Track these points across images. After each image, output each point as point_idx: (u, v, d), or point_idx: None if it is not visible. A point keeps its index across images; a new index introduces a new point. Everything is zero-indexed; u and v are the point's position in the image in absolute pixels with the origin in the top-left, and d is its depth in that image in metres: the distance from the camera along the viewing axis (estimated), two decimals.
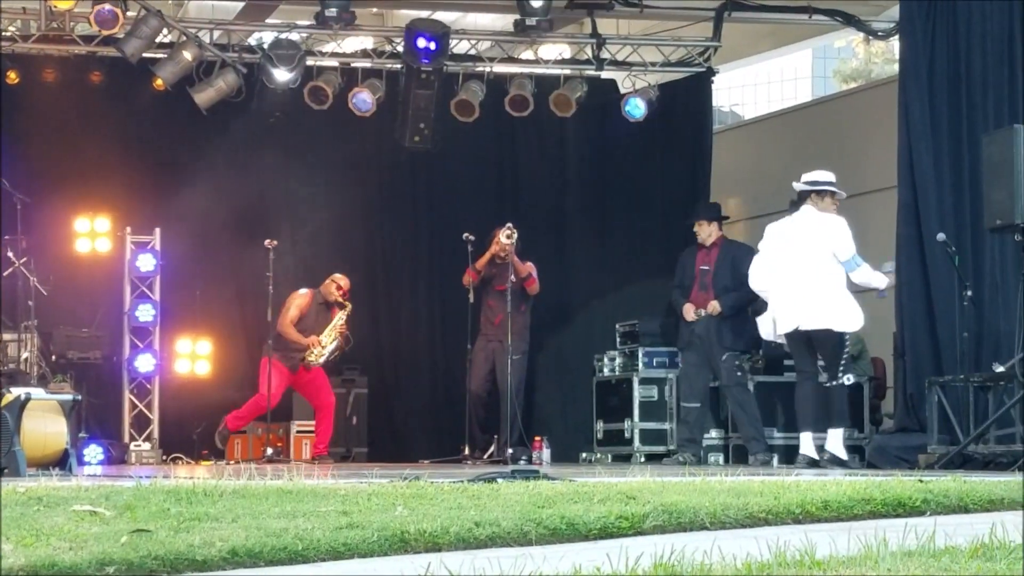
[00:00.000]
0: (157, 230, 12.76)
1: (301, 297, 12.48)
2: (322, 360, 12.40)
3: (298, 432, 13.11)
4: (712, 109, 14.50)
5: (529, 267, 12.32)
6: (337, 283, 12.53)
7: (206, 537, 4.50)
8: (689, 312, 11.51)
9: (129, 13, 12.23)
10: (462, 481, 6.12)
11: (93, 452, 11.39)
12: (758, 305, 10.55)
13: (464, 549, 4.72)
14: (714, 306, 11.40)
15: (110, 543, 4.34)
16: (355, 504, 5.26)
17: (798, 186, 10.16)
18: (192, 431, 13.06)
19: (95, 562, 4.16)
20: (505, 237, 11.97)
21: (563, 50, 13.86)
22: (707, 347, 11.44)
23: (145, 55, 12.49)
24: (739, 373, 11.46)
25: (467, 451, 12.21)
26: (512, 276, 12.07)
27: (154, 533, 4.52)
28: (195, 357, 13.38)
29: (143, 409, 12.61)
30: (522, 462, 11.43)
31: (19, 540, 4.31)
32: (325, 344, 12.38)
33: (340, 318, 12.50)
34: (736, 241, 12.17)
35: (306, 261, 13.36)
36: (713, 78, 13.88)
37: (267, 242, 12.34)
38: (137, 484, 5.63)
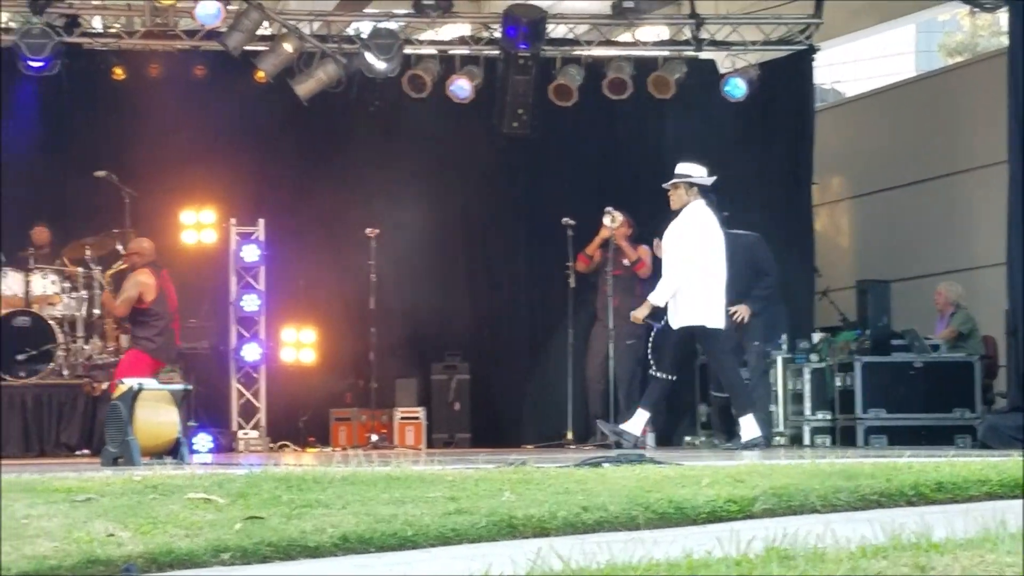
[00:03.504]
0: (261, 221, 12.89)
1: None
2: None
3: (402, 419, 13.19)
4: (814, 87, 14.30)
5: (641, 251, 12.21)
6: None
7: (317, 524, 4.54)
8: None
9: (231, 7, 12.36)
10: (568, 466, 6.12)
11: (203, 440, 11.55)
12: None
13: (572, 534, 4.72)
14: (743, 311, 11.29)
15: (224, 530, 4.40)
16: (462, 490, 5.27)
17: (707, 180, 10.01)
18: (298, 419, 13.20)
19: (210, 549, 4.22)
20: (609, 221, 11.89)
21: (661, 31, 13.77)
22: (738, 338, 11.42)
23: (247, 48, 12.62)
24: (765, 361, 11.56)
25: (570, 436, 12.18)
26: (624, 260, 12.02)
27: (267, 520, 4.57)
28: (300, 345, 13.51)
29: (250, 397, 12.76)
30: (624, 446, 11.38)
31: (137, 528, 4.38)
32: None
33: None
34: (737, 232, 11.77)
35: (407, 249, 13.43)
36: (814, 56, 13.69)
37: (368, 231, 12.42)
38: (249, 472, 5.70)
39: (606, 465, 6.14)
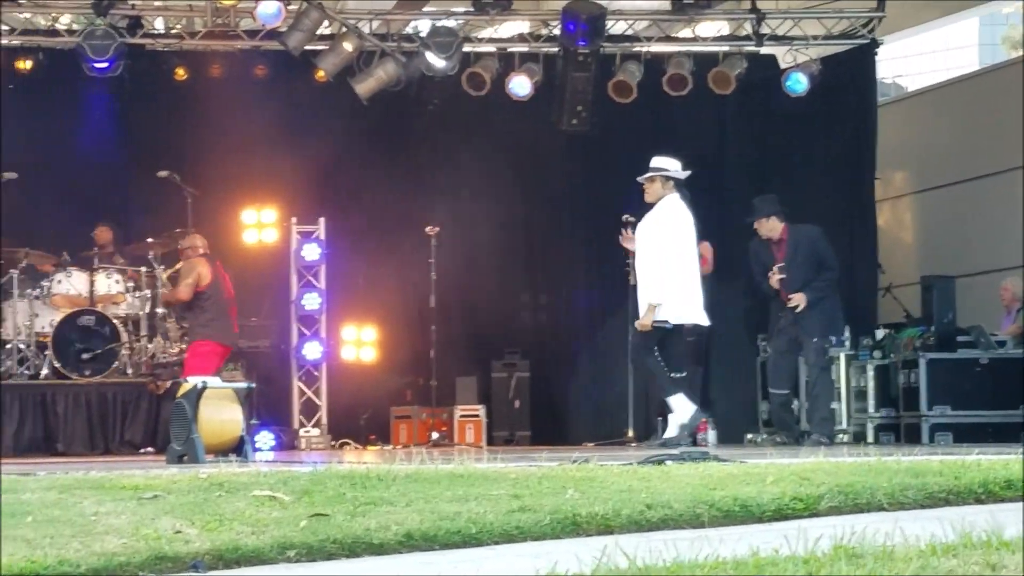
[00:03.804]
0: (321, 220, 12.97)
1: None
2: None
3: (462, 416, 13.21)
4: (876, 82, 14.17)
5: (703, 248, 12.15)
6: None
7: (382, 521, 4.55)
8: (776, 280, 11.42)
9: (291, 7, 12.42)
10: (631, 463, 6.09)
11: (265, 438, 11.62)
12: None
13: (636, 532, 4.70)
14: (800, 298, 11.21)
15: (290, 527, 4.42)
16: (526, 487, 5.26)
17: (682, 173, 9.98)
18: (359, 416, 13.25)
19: (276, 546, 4.24)
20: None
21: (722, 27, 13.71)
22: (796, 333, 11.33)
23: (307, 48, 12.68)
24: (826, 357, 11.42)
25: (631, 433, 12.16)
26: None
27: (331, 517, 4.58)
28: (360, 344, 13.57)
29: (311, 396, 12.83)
30: (685, 443, 11.34)
31: (203, 525, 4.41)
32: None
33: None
34: (799, 225, 11.71)
35: (467, 247, 13.45)
36: (877, 50, 13.57)
37: (428, 229, 12.45)
38: (313, 469, 5.72)
39: (669, 463, 6.10)
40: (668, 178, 9.87)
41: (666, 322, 9.63)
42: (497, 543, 4.51)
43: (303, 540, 4.29)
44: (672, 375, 9.82)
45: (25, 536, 4.18)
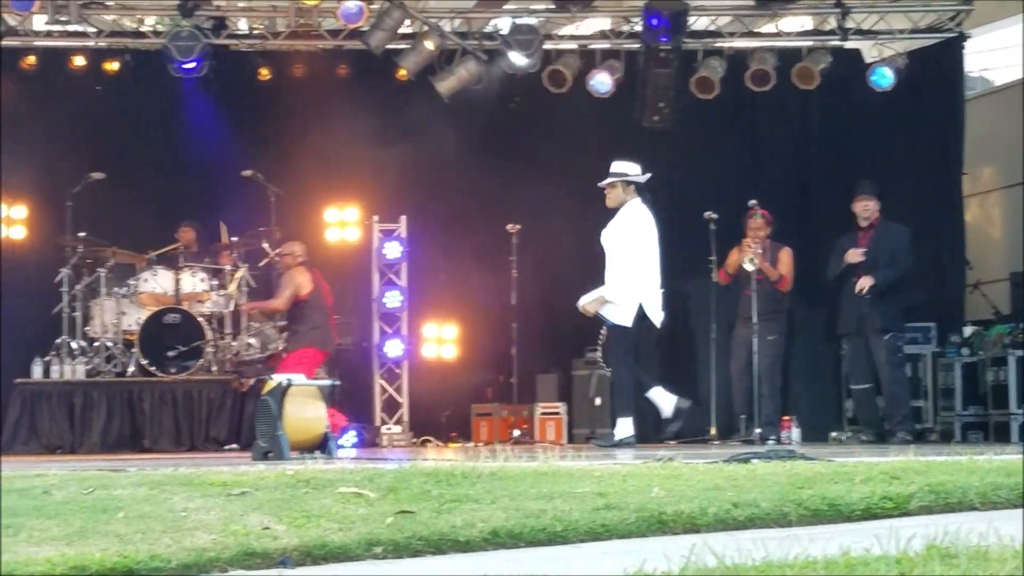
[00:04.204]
0: (403, 218, 13.02)
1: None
2: None
3: (543, 414, 13.20)
4: (964, 76, 13.96)
5: (783, 260, 12.03)
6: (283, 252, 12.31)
7: (467, 518, 4.55)
8: (854, 255, 11.42)
9: (373, 6, 12.47)
10: (717, 462, 6.06)
11: (348, 435, 11.68)
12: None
13: (723, 530, 4.67)
14: (866, 281, 11.12)
15: (376, 524, 4.44)
16: (610, 485, 5.25)
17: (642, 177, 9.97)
18: (440, 414, 13.28)
19: (363, 543, 4.25)
20: (749, 265, 11.78)
21: (805, 22, 13.58)
22: (866, 328, 11.31)
23: (388, 46, 12.73)
24: (899, 354, 11.43)
25: (714, 432, 12.08)
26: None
27: (417, 514, 4.59)
28: (442, 341, 13.60)
29: (393, 393, 12.89)
30: (770, 442, 11.26)
31: (291, 521, 4.44)
32: None
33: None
34: (891, 222, 11.68)
35: (547, 244, 13.43)
36: (964, 43, 13.37)
37: (509, 226, 12.44)
38: (398, 467, 5.74)
39: (755, 461, 6.05)
40: (629, 183, 9.89)
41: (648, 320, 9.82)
42: (583, 541, 4.50)
43: (389, 537, 4.31)
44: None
45: (117, 531, 4.24)
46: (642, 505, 4.78)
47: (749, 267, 11.79)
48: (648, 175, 10.10)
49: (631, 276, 9.77)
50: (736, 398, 12.19)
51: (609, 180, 9.94)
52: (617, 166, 9.98)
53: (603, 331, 10.55)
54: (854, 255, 11.43)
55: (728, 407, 12.34)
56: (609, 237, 9.90)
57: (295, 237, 12.89)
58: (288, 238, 12.78)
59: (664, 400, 9.98)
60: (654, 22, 12.40)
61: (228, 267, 12.59)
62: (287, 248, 12.21)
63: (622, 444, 9.84)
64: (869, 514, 4.84)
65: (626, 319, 9.91)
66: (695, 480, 5.39)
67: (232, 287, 12.16)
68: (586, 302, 9.99)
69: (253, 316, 12.30)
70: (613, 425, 13.42)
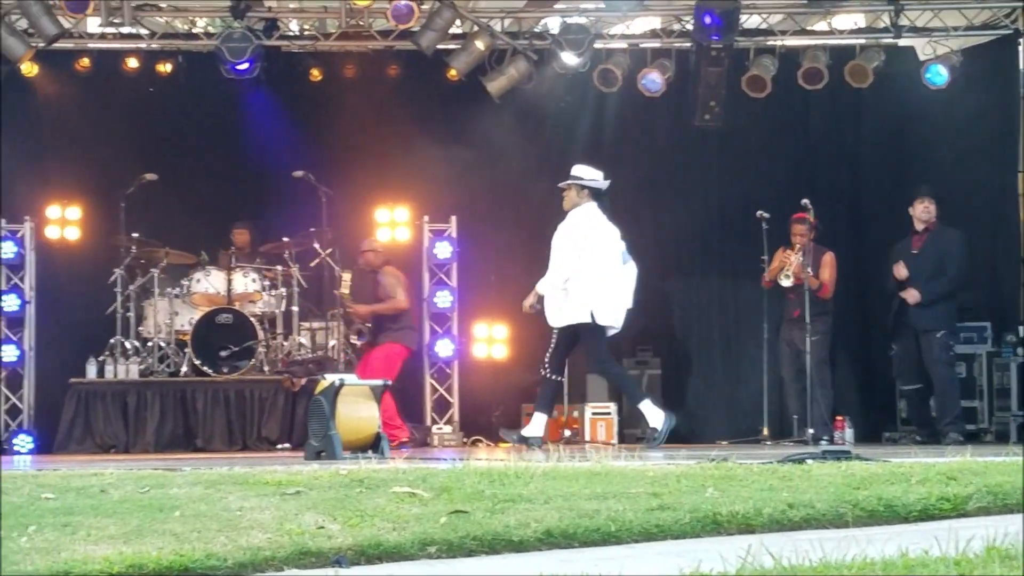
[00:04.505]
0: (453, 218, 13.02)
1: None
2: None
3: (593, 414, 13.15)
4: (1020, 73, 13.80)
5: (825, 264, 11.97)
6: (365, 249, 12.39)
7: (521, 518, 4.55)
8: (900, 269, 11.45)
9: (423, 6, 12.49)
10: (771, 462, 6.02)
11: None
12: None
13: (778, 531, 4.64)
14: (913, 295, 11.07)
15: (430, 523, 4.44)
16: (664, 486, 5.23)
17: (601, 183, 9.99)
18: (491, 414, 13.27)
19: (417, 542, 4.26)
20: (784, 279, 11.78)
21: (858, 19, 13.47)
22: (915, 329, 11.28)
23: (439, 47, 12.73)
24: (950, 353, 11.41)
25: (766, 432, 12.03)
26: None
27: (471, 514, 4.59)
28: (492, 341, 13.59)
29: (443, 393, 12.89)
30: (823, 442, 11.20)
31: (345, 521, 4.45)
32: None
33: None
34: (947, 227, 11.62)
35: None
36: (1021, 40, 13.21)
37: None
38: (451, 466, 5.74)
39: (810, 461, 6.02)
40: (583, 187, 9.88)
41: (612, 326, 9.85)
42: (636, 541, 4.49)
43: (443, 536, 4.31)
44: (554, 377, 10.04)
45: (173, 530, 4.26)
46: (696, 506, 4.77)
47: (785, 283, 11.82)
48: (607, 182, 10.02)
49: (578, 279, 9.76)
50: (787, 398, 12.14)
51: (566, 182, 9.95)
52: (575, 170, 10.05)
53: (553, 336, 10.59)
54: (900, 270, 11.43)
55: (781, 407, 12.27)
56: (557, 239, 9.93)
57: (346, 237, 12.92)
58: (339, 238, 12.81)
59: (538, 424, 9.97)
60: (706, 20, 12.34)
61: (280, 267, 12.65)
62: (369, 245, 12.26)
63: (659, 436, 9.82)
64: (926, 515, 4.80)
65: (605, 319, 9.89)
66: (749, 481, 5.37)
67: (344, 290, 12.19)
68: (525, 301, 10.10)
69: (362, 318, 12.34)
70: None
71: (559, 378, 9.97)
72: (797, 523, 4.71)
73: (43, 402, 12.64)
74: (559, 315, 9.95)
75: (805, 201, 11.73)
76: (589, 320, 9.71)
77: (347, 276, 12.31)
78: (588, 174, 9.96)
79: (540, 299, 10.24)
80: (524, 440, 9.83)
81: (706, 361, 13.90)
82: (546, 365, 10.30)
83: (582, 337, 10.10)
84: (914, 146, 13.55)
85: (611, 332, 10.24)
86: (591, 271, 9.66)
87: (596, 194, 9.92)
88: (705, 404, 13.74)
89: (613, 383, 10.21)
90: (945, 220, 11.77)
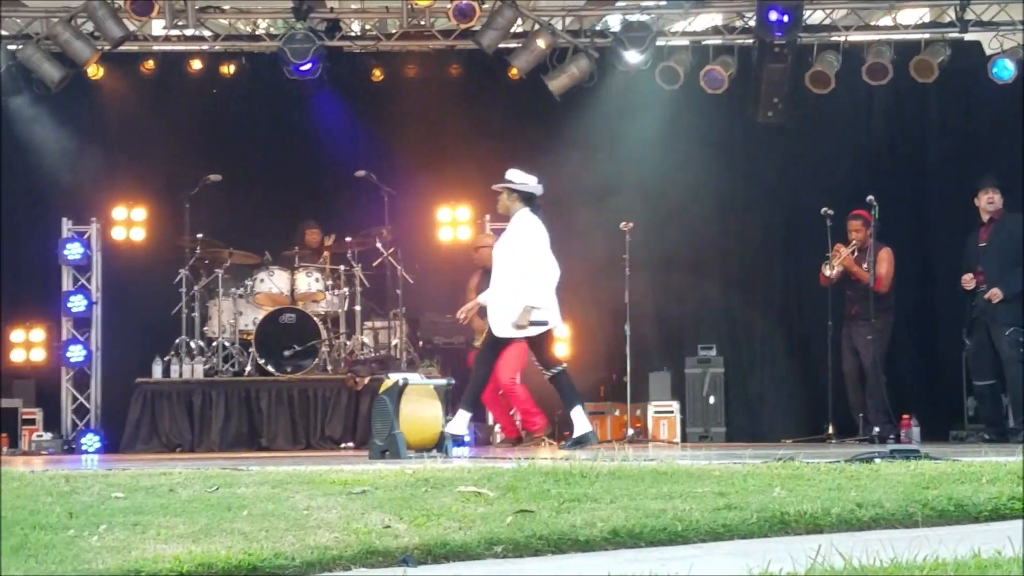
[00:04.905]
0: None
1: (472, 278, 12.23)
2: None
3: (656, 413, 13.12)
4: None
5: (882, 259, 11.85)
6: (483, 244, 12.20)
7: (587, 517, 4.54)
8: (968, 282, 11.34)
9: (485, 6, 12.49)
10: (839, 461, 5.97)
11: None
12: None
13: (847, 531, 4.60)
14: (995, 293, 10.96)
15: (496, 523, 4.44)
16: (731, 485, 5.20)
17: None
18: (552, 413, 13.25)
19: (483, 541, 4.26)
20: (828, 269, 11.66)
21: (923, 13, 13.33)
22: (988, 324, 11.19)
23: (500, 46, 12.73)
24: (1020, 350, 11.22)
25: (831, 430, 11.94)
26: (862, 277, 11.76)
27: (537, 513, 4.58)
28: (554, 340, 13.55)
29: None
30: (890, 441, 11.10)
31: (411, 520, 4.45)
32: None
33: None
34: (1013, 214, 11.44)
35: (661, 241, 13.35)
36: None
37: (623, 224, 12.36)
38: (516, 466, 5.74)
39: (878, 460, 5.96)
40: (514, 191, 9.83)
41: (546, 323, 9.77)
42: (703, 541, 4.47)
43: (510, 536, 4.31)
44: (554, 371, 9.97)
45: (241, 529, 4.28)
46: (763, 505, 4.73)
47: (828, 272, 11.72)
48: (539, 188, 10.03)
49: (518, 285, 9.70)
50: (850, 396, 12.04)
51: (499, 185, 9.93)
52: (509, 174, 10.04)
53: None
54: (968, 282, 11.31)
55: (845, 405, 12.17)
56: (500, 248, 9.92)
57: (408, 236, 12.96)
58: (401, 238, 12.85)
59: (581, 420, 9.88)
60: (768, 16, 12.26)
61: (343, 267, 12.71)
62: (487, 240, 12.23)
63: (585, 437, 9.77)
64: (997, 515, 4.74)
65: (505, 331, 9.83)
66: (817, 480, 5.32)
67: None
68: (517, 325, 9.89)
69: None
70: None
71: (560, 369, 9.93)
72: (866, 523, 4.66)
73: (110, 402, 12.78)
74: (505, 326, 9.90)
75: (870, 198, 11.62)
76: (541, 325, 9.68)
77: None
78: (520, 178, 9.95)
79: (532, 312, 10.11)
80: (579, 442, 9.78)
81: (769, 359, 13.81)
82: (544, 369, 10.26)
83: (532, 340, 10.09)
84: (980, 142, 13.39)
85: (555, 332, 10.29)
86: (528, 276, 9.66)
87: (529, 198, 9.89)
88: (768, 402, 13.66)
89: (560, 387, 10.13)
90: (1011, 211, 11.62)
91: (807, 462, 5.91)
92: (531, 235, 9.82)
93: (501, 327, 9.93)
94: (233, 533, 4.23)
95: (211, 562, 3.86)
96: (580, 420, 10.03)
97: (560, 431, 13.01)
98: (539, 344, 10.09)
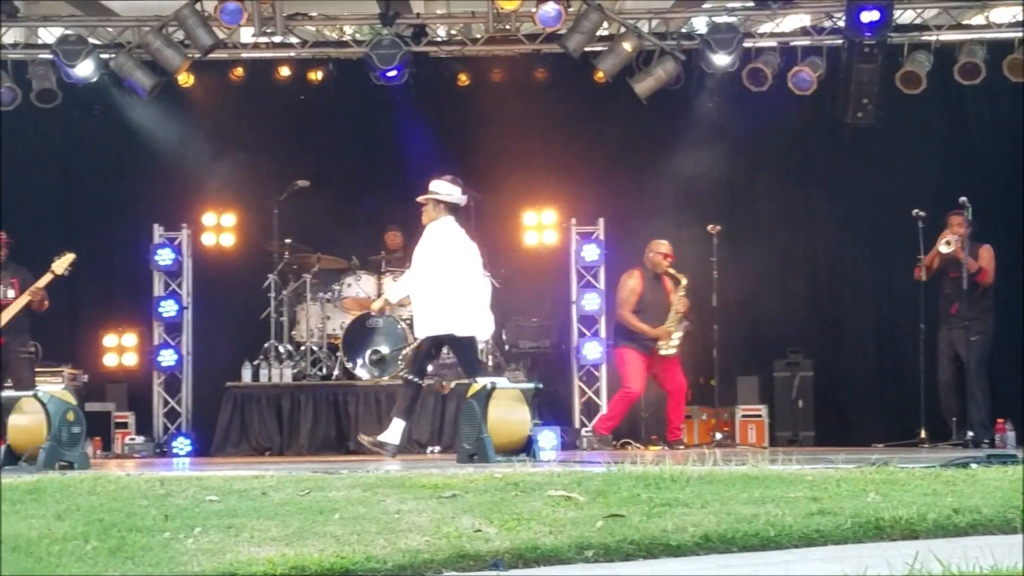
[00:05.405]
0: (601, 220, 13.00)
1: (631, 278, 12.16)
2: (672, 352, 12.12)
3: (743, 416, 13.04)
4: None
5: (983, 255, 11.65)
6: (660, 251, 12.13)
7: (678, 522, 4.51)
8: None
9: (571, 9, 12.47)
10: (934, 466, 5.88)
11: (547, 438, 11.67)
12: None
13: (943, 537, 4.53)
14: None
15: (586, 527, 4.42)
16: (824, 490, 5.14)
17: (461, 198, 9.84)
18: (639, 416, 13.21)
19: (574, 546, 4.24)
20: (945, 247, 11.43)
21: (1016, 12, 13.10)
22: None
23: (586, 49, 12.71)
24: None
25: (923, 434, 11.76)
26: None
27: (627, 518, 4.56)
28: None
29: (592, 396, 12.88)
30: (984, 445, 10.91)
31: (502, 524, 4.44)
32: (672, 334, 12.09)
33: (679, 299, 12.11)
34: None
35: (749, 244, 13.26)
36: None
37: (710, 227, 12.30)
38: (606, 470, 5.71)
39: (974, 466, 5.86)
40: (439, 202, 9.69)
41: (452, 334, 9.62)
42: (796, 546, 4.42)
43: (600, 540, 4.29)
44: (413, 379, 9.71)
45: (333, 532, 4.30)
46: (857, 511, 4.67)
47: (944, 249, 11.44)
48: (464, 197, 9.95)
49: (442, 291, 9.60)
50: (944, 400, 11.84)
51: (423, 197, 9.84)
52: (433, 185, 9.93)
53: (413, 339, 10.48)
54: None
55: (938, 409, 11.99)
56: (416, 254, 9.83)
57: (494, 240, 12.98)
58: (487, 242, 12.86)
59: (395, 431, 9.72)
60: (859, 16, 12.12)
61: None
62: (661, 248, 12.17)
63: (385, 446, 9.64)
64: None
65: (466, 329, 9.76)
66: (912, 485, 5.25)
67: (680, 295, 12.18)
68: (374, 304, 10.15)
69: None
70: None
71: (419, 380, 9.83)
72: (963, 529, 4.59)
73: (200, 405, 12.94)
74: (425, 326, 9.84)
75: (963, 199, 11.44)
76: (455, 332, 9.59)
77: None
78: (445, 189, 9.89)
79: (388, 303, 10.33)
80: (380, 445, 9.69)
81: (859, 362, 13.67)
82: (407, 369, 10.21)
83: (451, 348, 10.01)
84: None
85: (480, 343, 10.18)
86: (453, 284, 9.58)
87: (453, 208, 9.83)
88: (858, 405, 13.53)
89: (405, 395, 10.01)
90: None
91: (901, 467, 5.83)
92: (447, 245, 9.76)
93: (421, 328, 9.88)
94: (325, 536, 4.25)
95: (304, 565, 3.89)
96: (394, 432, 9.77)
97: (647, 433, 12.99)
98: (429, 346, 9.91)
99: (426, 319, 9.71)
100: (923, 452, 10.54)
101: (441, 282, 9.60)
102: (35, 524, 4.60)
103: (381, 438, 9.69)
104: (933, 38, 12.91)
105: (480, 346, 11.69)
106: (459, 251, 9.76)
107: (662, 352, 12.07)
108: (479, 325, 9.83)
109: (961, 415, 11.52)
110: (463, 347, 9.79)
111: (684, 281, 12.18)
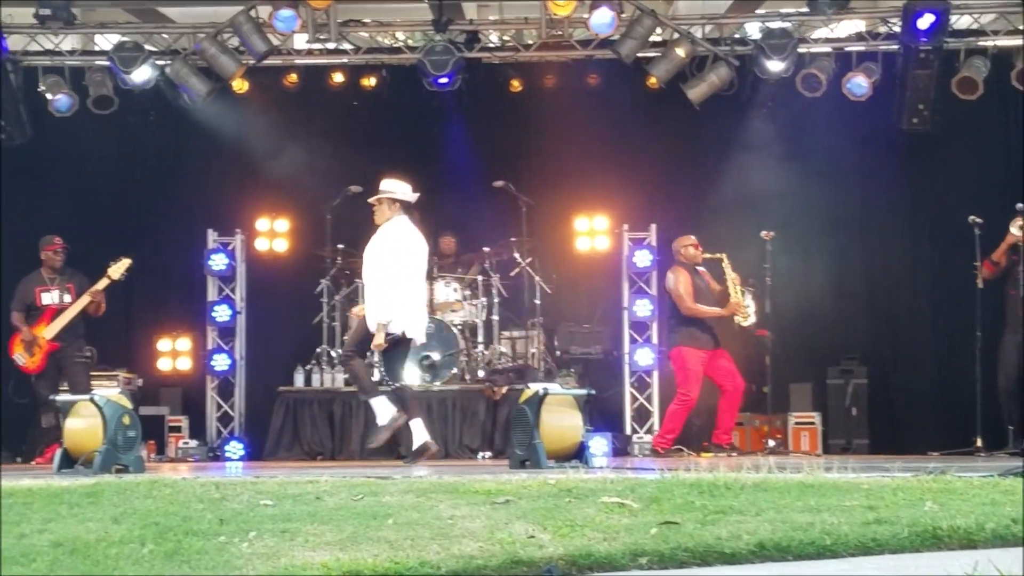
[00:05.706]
0: (653, 226, 12.97)
1: (679, 274, 12.00)
2: (753, 320, 11.98)
3: (796, 424, 12.96)
4: None
5: None
6: (691, 243, 12.04)
7: (733, 530, 4.48)
8: None
9: (624, 15, 12.46)
10: (992, 475, 5.82)
11: (599, 444, 11.66)
12: None
13: (1002, 547, 4.48)
14: None
15: (640, 534, 4.40)
16: (880, 499, 5.10)
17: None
18: (691, 422, 13.15)
19: (628, 553, 4.22)
20: (1016, 228, 11.27)
21: None
22: None
23: (639, 55, 12.69)
24: None
25: (980, 443, 11.62)
26: None
27: (681, 525, 4.54)
28: None
29: (643, 402, 12.85)
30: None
31: (555, 530, 4.43)
32: (743, 304, 11.97)
33: (728, 270, 11.98)
34: None
35: (803, 251, 13.18)
36: None
37: (763, 233, 12.24)
38: (660, 477, 5.69)
39: None
40: (394, 201, 9.59)
41: (393, 334, 9.48)
42: (852, 555, 4.39)
43: (654, 547, 4.27)
44: (389, 383, 9.70)
45: (387, 538, 4.31)
46: (914, 519, 4.63)
47: (1017, 232, 11.25)
48: (416, 195, 9.87)
49: (386, 292, 9.51)
50: (1005, 407, 11.68)
51: (376, 197, 9.76)
52: (385, 184, 9.84)
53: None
54: None
55: (996, 417, 11.85)
56: (369, 254, 9.76)
57: (546, 246, 12.96)
58: (539, 248, 12.87)
59: (384, 410, 9.62)
60: (915, 22, 12.03)
61: (481, 277, 12.77)
62: (688, 241, 12.12)
63: (425, 447, 9.52)
64: None
65: (416, 331, 9.70)
66: (970, 494, 5.19)
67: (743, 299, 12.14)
68: (375, 342, 9.64)
69: None
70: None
71: (403, 383, 9.74)
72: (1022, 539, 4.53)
73: (253, 410, 13.01)
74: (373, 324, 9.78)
75: (1020, 205, 11.31)
76: (399, 333, 9.52)
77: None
78: (399, 188, 9.83)
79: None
80: (419, 452, 9.55)
81: (914, 369, 13.56)
82: (345, 349, 10.22)
83: (394, 345, 9.91)
84: None
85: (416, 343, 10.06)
86: (403, 283, 9.53)
87: (406, 207, 9.78)
88: (913, 414, 13.42)
89: (402, 396, 9.88)
90: None
91: (959, 476, 5.77)
92: (401, 244, 9.71)
93: (374, 324, 9.84)
94: (379, 541, 4.26)
95: (358, 570, 3.89)
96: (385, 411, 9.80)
97: (699, 439, 12.93)
98: (394, 350, 9.87)
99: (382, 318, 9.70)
100: (980, 461, 10.42)
101: (402, 282, 9.60)
102: (92, 527, 4.64)
103: (415, 448, 9.68)
104: (990, 43, 12.79)
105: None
106: (413, 252, 9.78)
107: (744, 324, 11.97)
108: (418, 327, 9.81)
109: (1021, 423, 11.38)
110: (398, 349, 9.75)
111: (723, 255, 12.10)
